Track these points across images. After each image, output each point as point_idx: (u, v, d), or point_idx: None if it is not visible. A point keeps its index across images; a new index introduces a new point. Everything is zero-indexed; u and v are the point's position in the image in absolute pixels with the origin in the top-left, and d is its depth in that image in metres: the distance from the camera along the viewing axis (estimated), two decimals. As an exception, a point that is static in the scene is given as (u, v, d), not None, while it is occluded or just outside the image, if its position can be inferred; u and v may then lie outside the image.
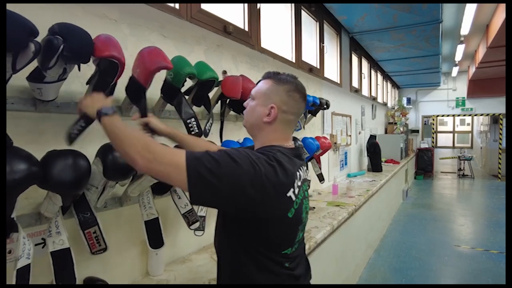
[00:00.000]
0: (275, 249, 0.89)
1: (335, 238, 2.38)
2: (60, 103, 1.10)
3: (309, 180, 1.03)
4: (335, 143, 3.95)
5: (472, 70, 7.40)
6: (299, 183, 0.90)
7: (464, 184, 8.74)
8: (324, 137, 2.75)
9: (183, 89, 1.40)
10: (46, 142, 1.06)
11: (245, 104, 1.01)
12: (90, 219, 1.08)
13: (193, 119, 1.39)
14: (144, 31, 1.46)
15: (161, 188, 1.37)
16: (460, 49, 6.06)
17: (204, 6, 1.81)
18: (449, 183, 8.88)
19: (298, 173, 0.90)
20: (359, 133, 5.28)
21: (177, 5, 1.65)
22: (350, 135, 4.67)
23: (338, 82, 4.19)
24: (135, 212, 1.35)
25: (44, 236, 1.06)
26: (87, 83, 1.11)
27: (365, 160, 5.40)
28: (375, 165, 5.02)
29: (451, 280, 3.12)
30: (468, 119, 13.16)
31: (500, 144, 8.91)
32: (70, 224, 1.09)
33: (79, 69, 1.02)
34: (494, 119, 9.49)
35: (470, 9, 4.12)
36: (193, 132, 1.39)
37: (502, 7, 4.10)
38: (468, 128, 13.46)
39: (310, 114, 2.77)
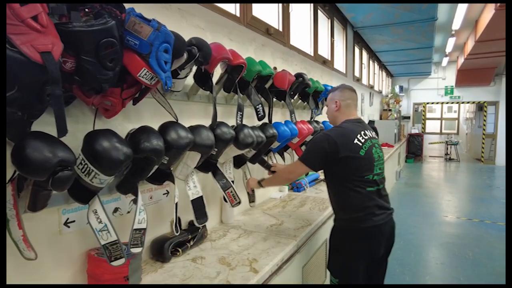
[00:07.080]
0: (358, 175, 1.47)
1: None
2: (176, 93, 1.53)
3: (377, 138, 1.65)
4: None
5: (461, 60, 7.94)
6: (365, 137, 1.52)
7: (451, 166, 9.45)
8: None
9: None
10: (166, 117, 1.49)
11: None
12: (227, 183, 1.54)
13: (260, 106, 1.84)
14: (219, 36, 1.88)
15: (238, 162, 1.81)
16: (451, 42, 6.59)
17: (255, 13, 2.23)
18: (437, 166, 9.58)
19: (362, 130, 1.52)
20: (360, 119, 5.79)
21: (238, 13, 2.07)
22: (352, 121, 5.17)
23: (344, 72, 4.66)
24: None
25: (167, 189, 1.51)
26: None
27: (364, 144, 5.93)
28: (374, 148, 5.55)
29: (440, 240, 3.70)
30: (455, 107, 13.90)
31: (484, 130, 9.61)
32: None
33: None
34: (479, 107, 10.16)
35: (463, 7, 4.60)
36: (259, 115, 1.84)
37: (490, 5, 4.58)
38: (455, 115, 14.22)
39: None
